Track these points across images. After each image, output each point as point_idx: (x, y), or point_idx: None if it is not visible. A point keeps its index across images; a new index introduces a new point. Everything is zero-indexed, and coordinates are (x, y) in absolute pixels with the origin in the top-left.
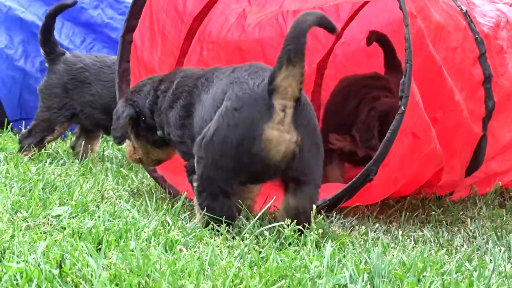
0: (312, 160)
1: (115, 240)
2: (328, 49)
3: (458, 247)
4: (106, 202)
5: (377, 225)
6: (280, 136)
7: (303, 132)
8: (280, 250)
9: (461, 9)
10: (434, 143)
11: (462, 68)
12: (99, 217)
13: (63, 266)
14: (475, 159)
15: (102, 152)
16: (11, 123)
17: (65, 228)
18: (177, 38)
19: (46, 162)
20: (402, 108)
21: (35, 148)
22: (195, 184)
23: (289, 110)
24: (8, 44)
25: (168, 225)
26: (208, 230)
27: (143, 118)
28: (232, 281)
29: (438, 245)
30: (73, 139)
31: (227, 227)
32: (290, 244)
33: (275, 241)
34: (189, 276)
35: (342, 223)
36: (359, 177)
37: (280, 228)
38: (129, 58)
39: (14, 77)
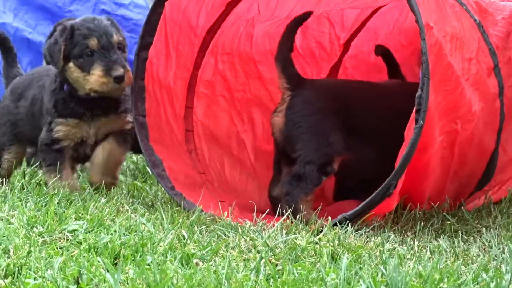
0: (301, 138)
1: (131, 255)
2: (335, 61)
3: (474, 257)
4: (121, 216)
5: (392, 236)
6: (276, 120)
7: (291, 116)
8: (296, 262)
9: (475, 20)
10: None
11: (478, 79)
12: (115, 231)
13: (80, 281)
14: (487, 172)
15: None
16: None
17: (81, 243)
18: (190, 52)
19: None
20: (421, 122)
21: None
22: None
23: (287, 99)
24: None
25: (184, 239)
26: (224, 243)
27: None
28: None
29: (454, 255)
30: None
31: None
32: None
33: (290, 254)
34: None
35: (357, 234)
36: (379, 191)
37: (295, 240)
38: (143, 76)
39: None
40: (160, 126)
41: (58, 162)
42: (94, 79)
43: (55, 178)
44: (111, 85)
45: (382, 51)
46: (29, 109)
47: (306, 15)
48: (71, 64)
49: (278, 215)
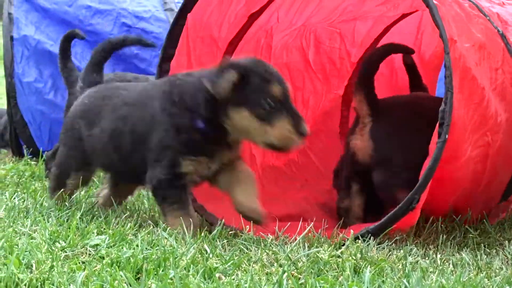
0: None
1: (153, 269)
2: (349, 77)
3: (497, 270)
4: (143, 231)
5: (414, 249)
6: (358, 144)
7: (378, 142)
8: (319, 276)
9: (498, 31)
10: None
11: (504, 89)
12: (137, 245)
13: None
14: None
15: None
16: (46, 152)
17: (103, 258)
18: (212, 63)
19: (82, 190)
20: (445, 136)
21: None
22: None
23: (368, 123)
24: (37, 78)
25: (206, 253)
26: (246, 257)
27: None
28: None
29: (477, 268)
30: None
31: None
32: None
33: (313, 267)
34: None
35: (379, 247)
36: (402, 206)
37: (317, 254)
38: None
39: (43, 111)
40: None
41: (183, 199)
42: (278, 133)
43: (182, 217)
44: (296, 142)
45: (409, 62)
46: (109, 142)
47: (404, 50)
48: (243, 110)
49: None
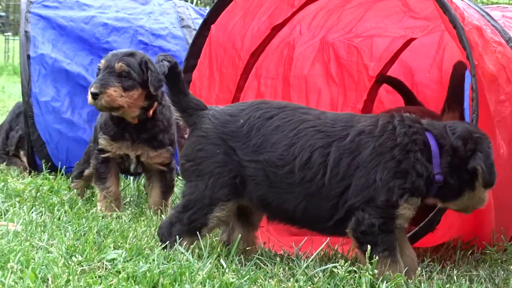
0: None
1: (170, 284)
2: (368, 92)
3: None
4: (160, 245)
5: (431, 264)
6: None
7: None
8: None
9: None
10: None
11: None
12: (154, 260)
13: None
14: None
15: None
16: (64, 166)
17: (120, 272)
18: (234, 74)
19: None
20: None
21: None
22: None
23: None
24: (54, 97)
25: (222, 268)
26: (263, 272)
27: None
28: None
29: (493, 284)
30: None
31: None
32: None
33: (329, 283)
34: None
35: None
36: (422, 226)
37: (334, 269)
38: None
39: (61, 130)
40: None
41: (393, 246)
42: (486, 198)
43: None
44: None
45: (385, 80)
46: (299, 176)
47: None
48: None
49: None
